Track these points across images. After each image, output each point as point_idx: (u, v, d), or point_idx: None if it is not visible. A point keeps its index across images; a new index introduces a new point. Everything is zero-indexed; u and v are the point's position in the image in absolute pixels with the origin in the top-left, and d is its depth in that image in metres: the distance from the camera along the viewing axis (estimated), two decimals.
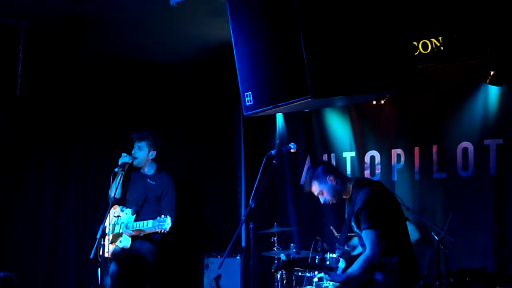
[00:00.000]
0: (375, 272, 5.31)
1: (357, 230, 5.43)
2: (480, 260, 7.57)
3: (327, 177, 5.48)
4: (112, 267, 4.13)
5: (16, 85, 7.54)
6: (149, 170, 7.53)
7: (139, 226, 7.13)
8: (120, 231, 7.21)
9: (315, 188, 5.54)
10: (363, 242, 5.34)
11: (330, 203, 5.61)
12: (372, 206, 5.25)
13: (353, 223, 5.44)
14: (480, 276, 7.27)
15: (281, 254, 7.35)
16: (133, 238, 7.23)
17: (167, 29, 7.72)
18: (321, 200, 5.59)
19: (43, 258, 8.14)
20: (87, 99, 8.52)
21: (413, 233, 7.56)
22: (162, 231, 6.98)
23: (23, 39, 7.45)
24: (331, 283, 6.33)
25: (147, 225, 7.08)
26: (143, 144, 7.41)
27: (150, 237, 7.29)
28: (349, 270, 5.37)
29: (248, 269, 8.13)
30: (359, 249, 5.61)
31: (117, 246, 7.20)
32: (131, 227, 7.17)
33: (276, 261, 7.33)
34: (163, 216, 7.00)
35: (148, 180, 7.46)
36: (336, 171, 5.63)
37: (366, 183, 5.47)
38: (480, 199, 7.66)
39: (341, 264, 5.54)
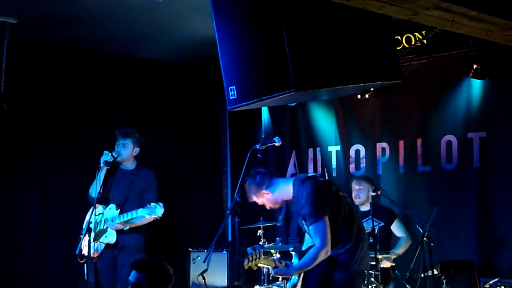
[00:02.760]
0: (333, 270, 5.26)
1: (305, 228, 5.37)
2: (464, 252, 7.64)
3: (261, 191, 5.47)
4: (139, 277, 4.22)
5: (0, 82, 7.52)
6: (130, 165, 7.50)
7: (127, 217, 7.04)
8: (105, 227, 7.16)
9: (256, 201, 5.56)
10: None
11: (275, 208, 5.61)
12: (314, 199, 5.19)
13: (301, 221, 5.38)
14: (465, 268, 7.34)
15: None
16: (118, 232, 7.19)
17: (151, 24, 7.72)
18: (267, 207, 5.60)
19: (29, 254, 8.13)
20: (71, 95, 8.51)
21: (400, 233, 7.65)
22: (156, 217, 6.96)
23: (8, 35, 7.43)
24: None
25: (136, 214, 7.00)
26: (128, 141, 7.38)
27: (135, 229, 7.28)
28: (299, 263, 5.29)
29: (234, 263, 8.15)
30: (308, 243, 5.48)
31: (101, 242, 7.15)
32: (117, 220, 7.12)
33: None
34: (152, 203, 6.97)
35: (130, 175, 7.42)
36: (269, 180, 5.52)
37: (305, 179, 5.37)
38: (464, 191, 7.73)
39: (294, 259, 5.47)
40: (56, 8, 7.12)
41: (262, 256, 5.26)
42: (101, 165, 7.13)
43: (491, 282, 6.92)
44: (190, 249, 8.78)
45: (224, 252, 8.60)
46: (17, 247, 8.04)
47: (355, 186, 7.67)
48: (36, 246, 8.22)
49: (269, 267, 5.42)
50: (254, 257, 5.24)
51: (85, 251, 6.96)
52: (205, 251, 8.55)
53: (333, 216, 5.20)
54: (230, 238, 9.59)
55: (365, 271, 5.47)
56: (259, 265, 5.35)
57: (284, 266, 5.35)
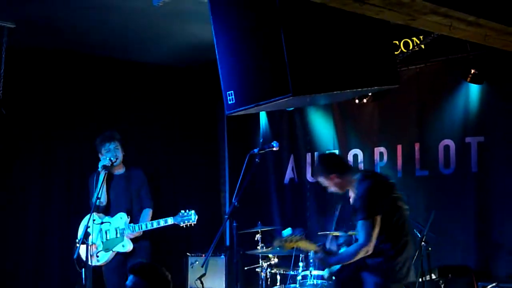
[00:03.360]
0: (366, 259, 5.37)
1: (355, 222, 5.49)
2: (462, 256, 7.64)
3: (330, 175, 5.59)
4: (136, 282, 4.24)
5: None
6: (121, 169, 7.51)
7: (152, 226, 7.12)
8: (118, 236, 7.18)
9: (321, 181, 5.70)
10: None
11: (336, 192, 5.72)
12: (368, 197, 5.32)
13: (354, 215, 5.50)
14: (463, 273, 7.34)
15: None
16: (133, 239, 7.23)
17: (149, 28, 7.73)
18: (329, 189, 5.71)
19: (28, 258, 8.13)
20: (70, 99, 8.52)
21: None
22: (191, 224, 7.07)
23: (6, 39, 7.43)
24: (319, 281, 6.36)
25: (166, 222, 7.09)
26: (117, 143, 7.40)
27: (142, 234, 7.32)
28: (339, 255, 5.43)
29: (233, 268, 8.15)
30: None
31: (113, 251, 7.16)
32: (137, 229, 7.14)
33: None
34: (186, 210, 7.05)
35: (125, 179, 7.44)
36: (340, 166, 5.69)
37: (367, 176, 5.53)
38: (462, 196, 7.73)
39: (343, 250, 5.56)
40: (54, 12, 7.12)
41: (304, 239, 5.48)
42: (99, 169, 7.12)
43: (489, 286, 6.93)
44: (188, 253, 8.78)
45: (222, 256, 8.60)
46: (16, 250, 8.06)
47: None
48: (35, 249, 8.23)
49: (310, 250, 5.59)
50: (292, 238, 5.41)
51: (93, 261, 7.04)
52: (203, 255, 8.55)
53: (384, 219, 5.30)
54: (228, 243, 9.58)
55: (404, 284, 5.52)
56: (298, 247, 5.54)
57: (325, 253, 5.47)
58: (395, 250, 5.34)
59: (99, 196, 6.94)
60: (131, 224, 7.16)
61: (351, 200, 5.65)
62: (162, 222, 7.10)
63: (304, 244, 5.51)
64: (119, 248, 7.18)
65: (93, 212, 6.82)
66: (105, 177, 7.14)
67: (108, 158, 7.17)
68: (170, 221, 7.06)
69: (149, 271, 4.33)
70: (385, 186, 5.52)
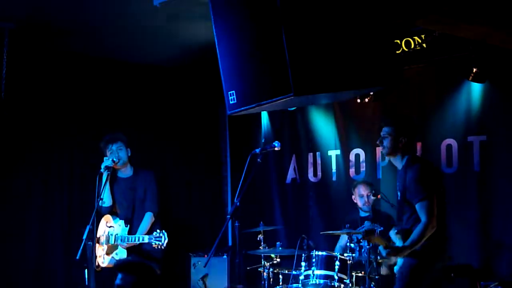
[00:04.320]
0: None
1: (405, 207, 5.62)
2: (465, 255, 7.61)
3: (403, 138, 5.68)
4: (124, 278, 4.19)
5: (0, 88, 7.52)
6: (129, 171, 7.52)
7: (133, 240, 7.10)
8: (115, 244, 7.19)
9: (391, 131, 5.71)
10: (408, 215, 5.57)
11: (382, 150, 5.80)
12: (425, 178, 5.52)
13: (402, 199, 5.61)
14: (465, 272, 7.31)
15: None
16: (129, 249, 7.23)
17: (150, 29, 7.72)
18: (384, 141, 5.73)
19: (30, 259, 8.13)
20: (72, 101, 8.52)
21: None
22: (160, 246, 6.98)
23: (7, 41, 7.43)
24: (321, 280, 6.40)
25: (142, 239, 7.05)
26: (120, 144, 7.40)
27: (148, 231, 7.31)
28: (408, 241, 5.48)
29: (235, 268, 8.16)
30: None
31: (113, 258, 7.18)
32: (126, 240, 7.15)
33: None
34: (158, 231, 6.98)
35: (131, 182, 7.44)
36: (412, 142, 5.84)
37: (418, 159, 5.75)
38: (464, 195, 7.73)
39: (398, 243, 5.61)
40: (55, 14, 7.13)
41: (378, 235, 5.62)
42: (102, 170, 7.12)
43: (491, 286, 6.91)
44: (190, 253, 8.78)
45: (225, 256, 8.60)
46: (17, 251, 8.05)
47: (364, 191, 7.68)
48: (37, 250, 8.22)
49: (380, 246, 5.66)
50: (371, 233, 5.55)
51: (99, 262, 7.07)
52: (206, 255, 8.56)
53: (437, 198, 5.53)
54: (230, 243, 9.59)
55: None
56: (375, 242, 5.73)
57: (396, 247, 5.54)
58: (441, 232, 5.58)
59: (101, 197, 6.94)
60: (122, 235, 7.18)
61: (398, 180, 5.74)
62: (139, 239, 7.07)
63: (379, 240, 5.63)
64: (114, 255, 7.21)
65: (95, 212, 6.83)
66: (108, 178, 7.13)
67: (110, 159, 7.18)
68: (145, 239, 7.02)
69: (136, 266, 4.33)
70: (435, 169, 5.80)
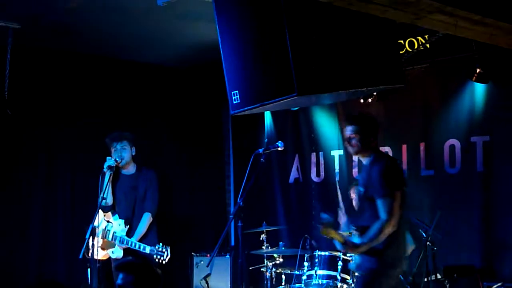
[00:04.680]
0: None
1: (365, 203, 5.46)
2: (467, 256, 7.62)
3: (371, 138, 5.53)
4: (125, 278, 4.20)
5: (4, 87, 7.53)
6: (132, 169, 7.52)
7: (133, 246, 7.07)
8: (112, 241, 7.19)
9: (355, 129, 5.56)
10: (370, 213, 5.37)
11: (351, 150, 5.65)
12: (387, 175, 5.32)
13: (364, 195, 5.47)
14: (468, 272, 7.32)
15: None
16: (126, 249, 7.22)
17: (154, 29, 7.72)
18: (351, 142, 5.60)
19: (32, 258, 8.13)
20: (75, 100, 8.52)
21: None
22: (160, 260, 6.96)
23: (11, 40, 7.44)
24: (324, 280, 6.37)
25: (143, 249, 7.02)
26: (125, 143, 7.39)
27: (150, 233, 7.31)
28: (365, 237, 5.31)
29: (237, 268, 8.15)
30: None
31: (108, 254, 7.18)
32: (125, 243, 7.13)
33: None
34: (161, 244, 6.97)
35: (134, 180, 7.44)
36: (376, 138, 5.66)
37: (383, 156, 5.58)
38: (467, 196, 7.73)
39: (356, 240, 5.45)
40: (59, 13, 7.12)
41: (335, 230, 5.34)
42: (104, 170, 7.12)
43: (494, 286, 6.93)
44: (193, 253, 8.78)
45: (227, 256, 8.60)
46: (20, 249, 8.05)
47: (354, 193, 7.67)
48: (39, 248, 8.22)
49: (337, 242, 5.40)
50: (328, 226, 5.30)
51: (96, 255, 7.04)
52: (208, 255, 8.56)
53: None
54: (233, 243, 9.59)
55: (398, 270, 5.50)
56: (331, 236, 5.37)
57: (351, 242, 5.36)
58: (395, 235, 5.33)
59: (104, 196, 6.94)
60: (121, 236, 7.16)
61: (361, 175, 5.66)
62: (140, 247, 7.04)
63: (335, 235, 5.37)
64: (110, 253, 7.21)
65: (98, 211, 6.83)
66: (111, 178, 7.14)
67: (113, 159, 7.18)
68: (147, 249, 6.99)
69: (136, 266, 4.33)
70: (398, 166, 5.62)
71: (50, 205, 8.35)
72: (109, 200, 7.27)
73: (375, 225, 5.25)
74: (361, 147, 5.52)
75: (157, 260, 6.94)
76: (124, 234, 7.16)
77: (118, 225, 7.23)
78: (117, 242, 7.16)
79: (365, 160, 5.58)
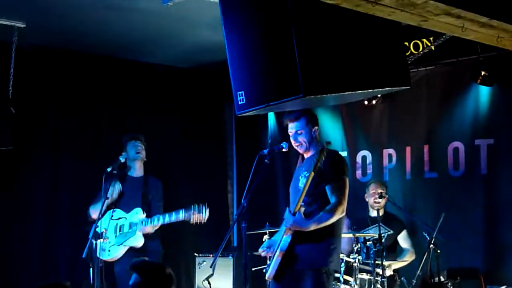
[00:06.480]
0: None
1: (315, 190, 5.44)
2: (471, 258, 7.60)
3: (315, 127, 5.65)
4: (137, 278, 4.24)
5: (8, 85, 7.54)
6: (140, 172, 7.53)
7: (165, 219, 7.10)
8: (129, 230, 7.20)
9: (299, 125, 5.63)
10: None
11: (296, 147, 5.72)
12: (339, 162, 5.54)
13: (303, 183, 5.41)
14: (471, 275, 7.30)
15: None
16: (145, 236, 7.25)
17: (159, 29, 7.72)
18: (292, 139, 5.68)
19: (35, 257, 8.13)
20: (79, 100, 8.52)
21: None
22: (200, 221, 7.03)
23: (16, 39, 7.45)
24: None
25: (177, 214, 7.07)
26: (144, 143, 7.50)
27: (157, 235, 7.35)
28: (317, 216, 5.34)
29: (240, 269, 8.14)
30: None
31: (125, 246, 7.19)
32: (151, 222, 7.13)
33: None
34: (195, 205, 7.02)
35: (141, 185, 7.46)
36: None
37: (331, 149, 5.63)
38: (471, 198, 7.72)
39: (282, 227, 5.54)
40: (64, 13, 7.13)
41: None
42: (109, 170, 7.12)
43: None
44: (195, 254, 8.76)
45: (230, 257, 8.58)
46: (22, 249, 8.04)
47: (373, 190, 7.66)
48: (42, 248, 8.22)
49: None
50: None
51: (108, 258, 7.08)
52: (211, 256, 8.54)
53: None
54: (235, 243, 9.57)
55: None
56: None
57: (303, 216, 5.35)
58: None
59: (107, 196, 6.95)
60: (143, 220, 7.17)
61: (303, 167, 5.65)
62: (174, 215, 7.09)
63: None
64: (130, 242, 7.20)
65: (102, 211, 6.83)
66: (114, 178, 7.15)
67: (132, 152, 7.34)
68: (180, 214, 7.02)
69: (147, 267, 4.33)
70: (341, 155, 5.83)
71: (53, 204, 8.34)
72: (115, 196, 7.27)
73: (328, 207, 5.34)
74: (308, 142, 5.63)
75: (194, 222, 6.99)
76: (144, 217, 7.18)
77: (135, 214, 7.26)
78: (138, 227, 7.16)
79: (309, 153, 5.66)
